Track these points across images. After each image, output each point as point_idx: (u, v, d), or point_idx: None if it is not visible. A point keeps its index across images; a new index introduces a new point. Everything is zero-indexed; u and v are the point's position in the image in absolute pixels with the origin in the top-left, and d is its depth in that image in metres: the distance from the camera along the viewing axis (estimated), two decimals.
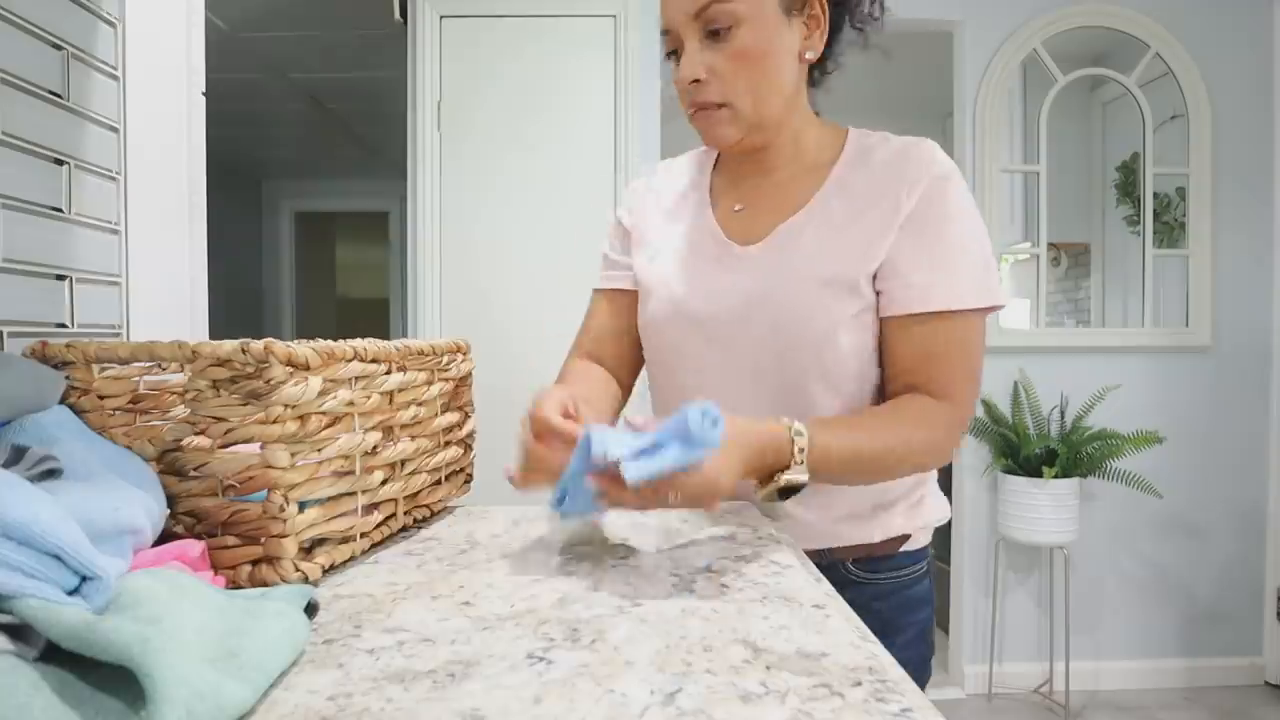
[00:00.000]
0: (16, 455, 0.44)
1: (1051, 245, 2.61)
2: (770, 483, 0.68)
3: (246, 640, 0.38)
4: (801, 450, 0.67)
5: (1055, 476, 2.28)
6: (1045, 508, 2.28)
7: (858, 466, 0.72)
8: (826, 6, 0.79)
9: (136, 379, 0.59)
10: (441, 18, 2.31)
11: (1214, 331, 2.50)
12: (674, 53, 0.80)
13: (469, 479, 0.86)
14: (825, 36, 0.81)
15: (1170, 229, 2.61)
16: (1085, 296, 3.13)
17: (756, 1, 0.75)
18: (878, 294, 0.78)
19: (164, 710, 0.29)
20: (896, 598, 0.85)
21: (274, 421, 0.52)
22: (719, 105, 0.78)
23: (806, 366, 0.78)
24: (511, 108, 2.32)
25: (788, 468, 0.67)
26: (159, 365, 0.56)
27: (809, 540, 0.82)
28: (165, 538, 0.54)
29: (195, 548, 0.49)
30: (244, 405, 0.53)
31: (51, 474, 0.44)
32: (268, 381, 0.52)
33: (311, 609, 0.46)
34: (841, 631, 0.46)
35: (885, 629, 0.81)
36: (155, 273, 0.96)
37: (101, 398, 0.57)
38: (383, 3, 2.37)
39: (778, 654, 0.42)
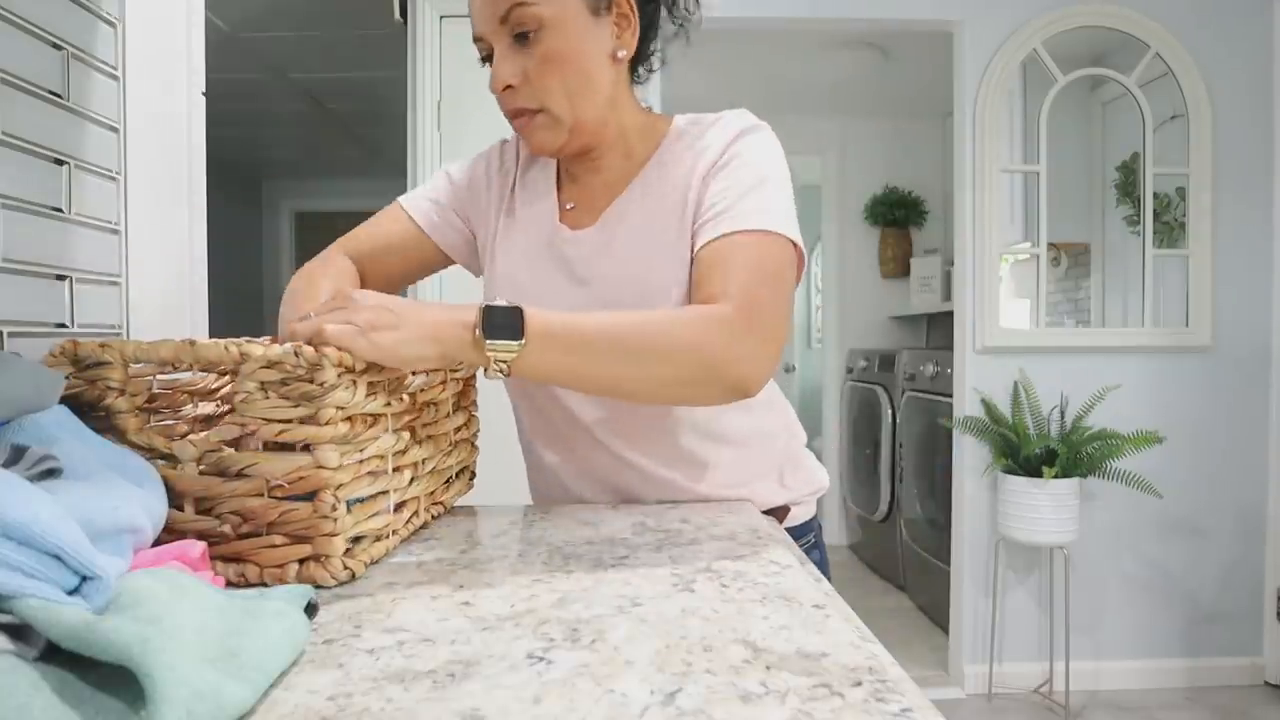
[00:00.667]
0: (16, 455, 0.44)
1: (1051, 245, 2.61)
2: (473, 333, 0.62)
3: (246, 640, 0.38)
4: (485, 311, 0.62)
5: (1055, 476, 2.28)
6: (1045, 508, 2.28)
7: (592, 326, 0.66)
8: (634, 5, 0.79)
9: (150, 378, 0.59)
10: (441, 18, 2.31)
11: (1214, 331, 2.50)
12: (487, 58, 0.79)
13: (473, 476, 0.87)
14: (637, 34, 0.80)
15: (1170, 229, 2.61)
16: (1085, 296, 3.13)
17: (560, 3, 0.74)
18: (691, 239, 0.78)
19: (164, 710, 0.29)
20: None
21: (326, 423, 0.53)
22: (535, 111, 0.78)
23: None
24: None
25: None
26: (172, 366, 0.57)
27: None
28: (208, 539, 0.54)
29: (195, 548, 0.49)
30: (295, 407, 0.54)
31: (51, 473, 0.44)
32: (320, 385, 0.53)
33: (311, 609, 0.46)
34: (841, 631, 0.46)
35: None
36: (155, 273, 0.96)
37: (130, 394, 0.57)
38: (383, 3, 2.37)
39: (778, 654, 0.42)
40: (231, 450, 0.55)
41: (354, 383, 0.56)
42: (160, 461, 0.55)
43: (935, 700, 0.36)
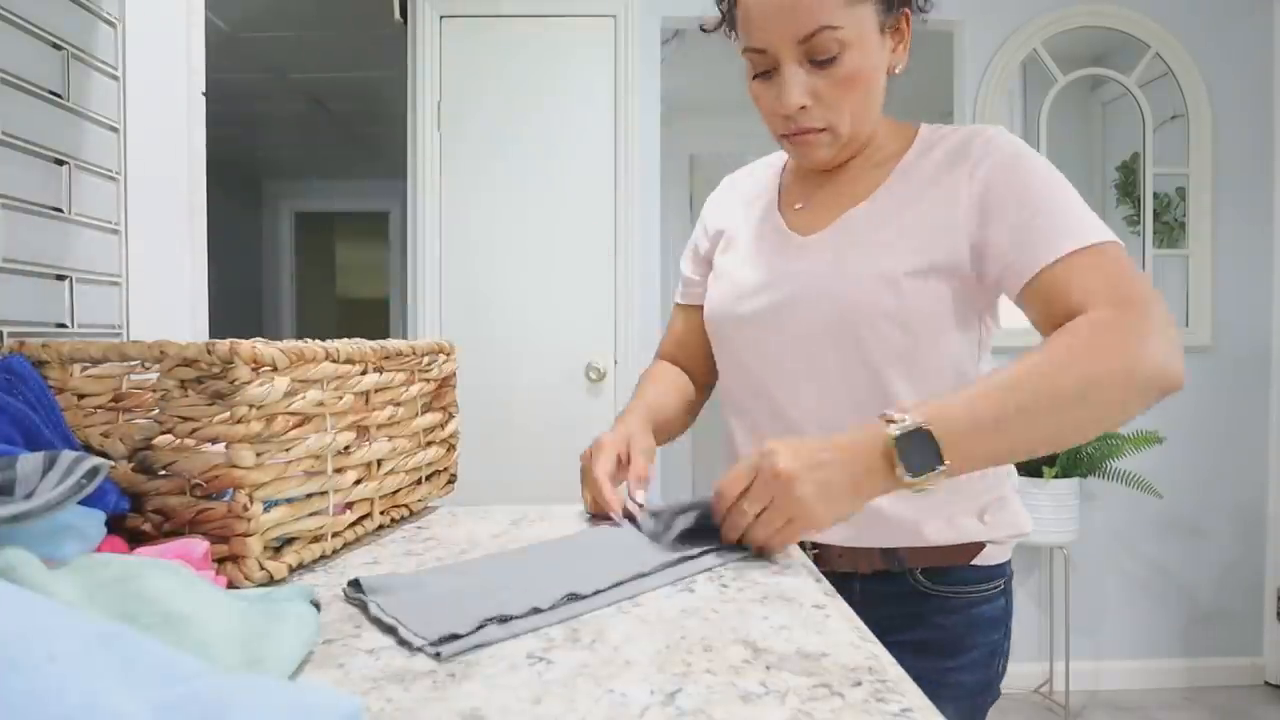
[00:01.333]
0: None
1: None
2: (893, 473, 0.60)
3: (269, 645, 0.37)
4: (903, 414, 0.61)
5: (1055, 476, 2.28)
6: (1045, 508, 2.28)
7: (1002, 394, 0.62)
8: (909, 20, 0.79)
9: (118, 378, 0.59)
10: (441, 18, 2.31)
11: (1214, 331, 2.50)
12: (766, 73, 0.77)
13: (452, 479, 0.86)
14: (908, 46, 0.80)
15: (1170, 229, 2.61)
16: None
17: (859, 26, 0.73)
18: (992, 273, 0.74)
19: None
20: (966, 614, 0.80)
21: (238, 421, 0.52)
22: (820, 130, 0.78)
23: (870, 353, 0.77)
24: (511, 108, 2.32)
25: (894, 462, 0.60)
26: (142, 365, 0.57)
27: (879, 538, 0.79)
28: (135, 536, 0.54)
29: (199, 547, 0.49)
30: (210, 405, 0.53)
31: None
32: (232, 382, 0.52)
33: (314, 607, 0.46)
34: (841, 631, 0.46)
35: (949, 646, 0.80)
36: (155, 273, 0.96)
37: (80, 397, 0.58)
38: (383, 3, 2.37)
39: (778, 654, 0.42)
40: (154, 448, 0.55)
41: (271, 380, 0.55)
42: (97, 460, 0.56)
43: None
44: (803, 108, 0.76)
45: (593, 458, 0.77)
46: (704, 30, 0.84)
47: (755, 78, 0.79)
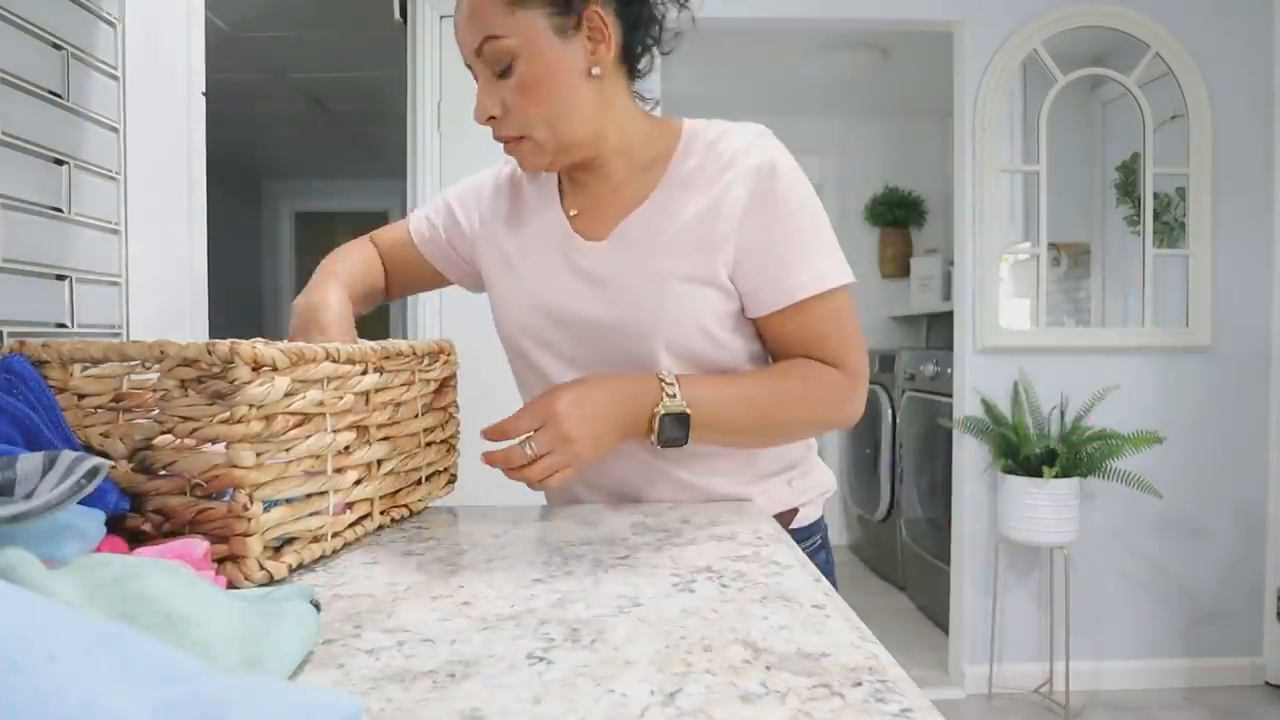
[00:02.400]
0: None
1: (1051, 245, 2.61)
2: (647, 435, 0.75)
3: (269, 645, 0.37)
4: (671, 384, 0.75)
5: (1055, 476, 2.28)
6: (1045, 508, 2.28)
7: (743, 408, 0.79)
8: (605, 16, 0.76)
9: (119, 378, 0.59)
10: (441, 18, 2.31)
11: (1214, 331, 2.50)
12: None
13: (452, 479, 0.86)
14: (614, 46, 0.78)
15: (1170, 229, 2.61)
16: (1085, 296, 3.12)
17: (524, 32, 0.73)
18: (741, 293, 0.81)
19: None
20: None
21: (238, 421, 0.52)
22: (519, 138, 0.79)
23: (661, 358, 0.80)
24: None
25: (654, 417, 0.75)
26: (142, 365, 0.57)
27: None
28: (135, 536, 0.54)
29: (199, 547, 0.49)
30: (210, 405, 0.53)
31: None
32: (232, 382, 0.52)
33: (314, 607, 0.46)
34: (841, 631, 0.46)
35: None
36: (155, 273, 0.96)
37: (81, 397, 0.58)
38: (383, 3, 2.37)
39: (778, 654, 0.42)
40: (154, 448, 0.55)
41: (271, 380, 0.55)
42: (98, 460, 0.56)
43: (935, 700, 0.36)
44: (492, 118, 0.78)
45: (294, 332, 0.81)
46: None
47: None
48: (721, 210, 0.78)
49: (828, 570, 0.93)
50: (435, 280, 1.02)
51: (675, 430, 0.75)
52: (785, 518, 0.88)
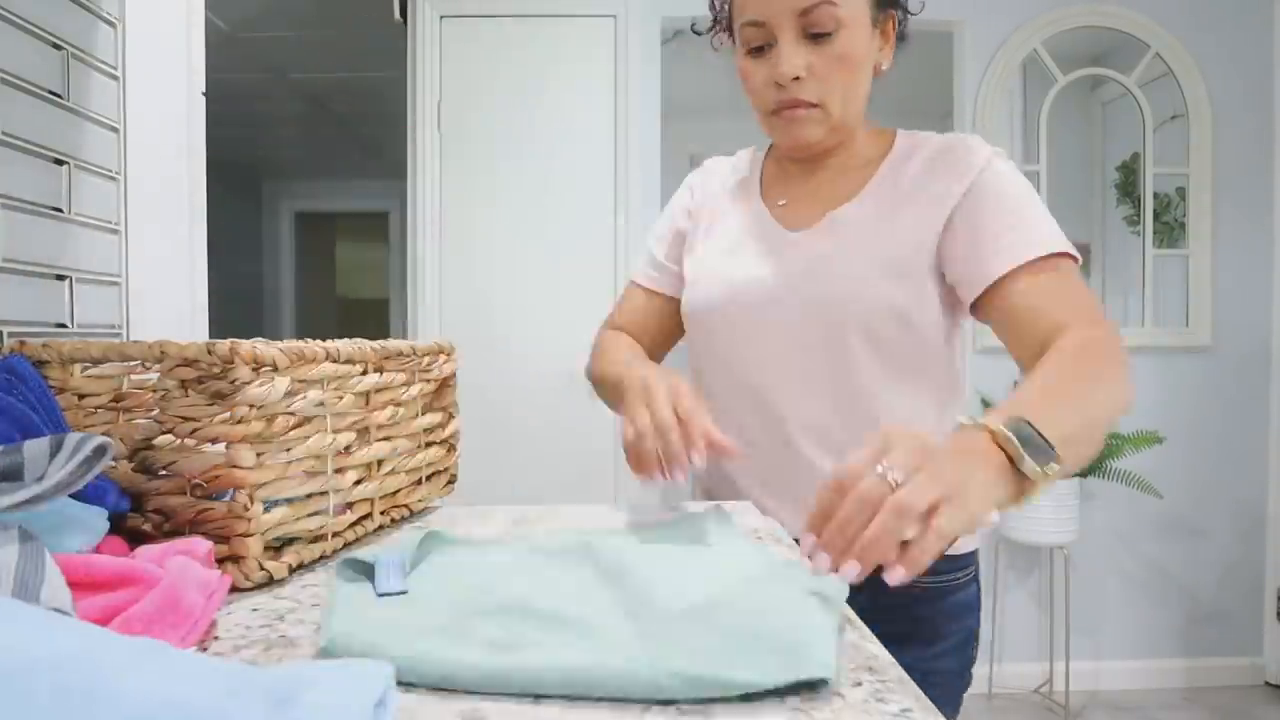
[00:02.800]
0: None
1: None
2: (1016, 485, 0.51)
3: None
4: (993, 420, 0.52)
5: None
6: (1045, 508, 2.28)
7: (1071, 403, 0.58)
8: (896, 26, 0.83)
9: (119, 378, 0.59)
10: (441, 18, 2.31)
11: (1214, 331, 2.50)
12: (760, 48, 0.79)
13: (452, 480, 0.86)
14: (893, 50, 0.84)
15: (1170, 229, 2.61)
16: None
17: (857, 9, 0.77)
18: (958, 276, 0.77)
19: None
20: (939, 604, 0.82)
21: (239, 421, 0.52)
22: (811, 105, 0.79)
23: (855, 349, 0.78)
24: (511, 108, 2.32)
25: (1012, 460, 0.50)
26: (142, 365, 0.57)
27: None
28: (135, 536, 0.54)
29: (201, 547, 0.49)
30: (210, 405, 0.53)
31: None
32: (232, 382, 0.52)
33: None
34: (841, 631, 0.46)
35: (925, 635, 0.81)
36: (155, 273, 0.96)
37: (81, 397, 0.58)
38: (383, 3, 2.37)
39: None
40: (155, 448, 0.55)
41: (272, 380, 0.55)
42: None
43: None
44: (798, 78, 0.78)
45: (648, 397, 0.68)
46: (695, 32, 0.84)
47: (749, 54, 0.80)
48: (944, 199, 0.78)
49: (975, 606, 0.85)
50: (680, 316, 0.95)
51: (1033, 437, 0.51)
52: None
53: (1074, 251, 0.74)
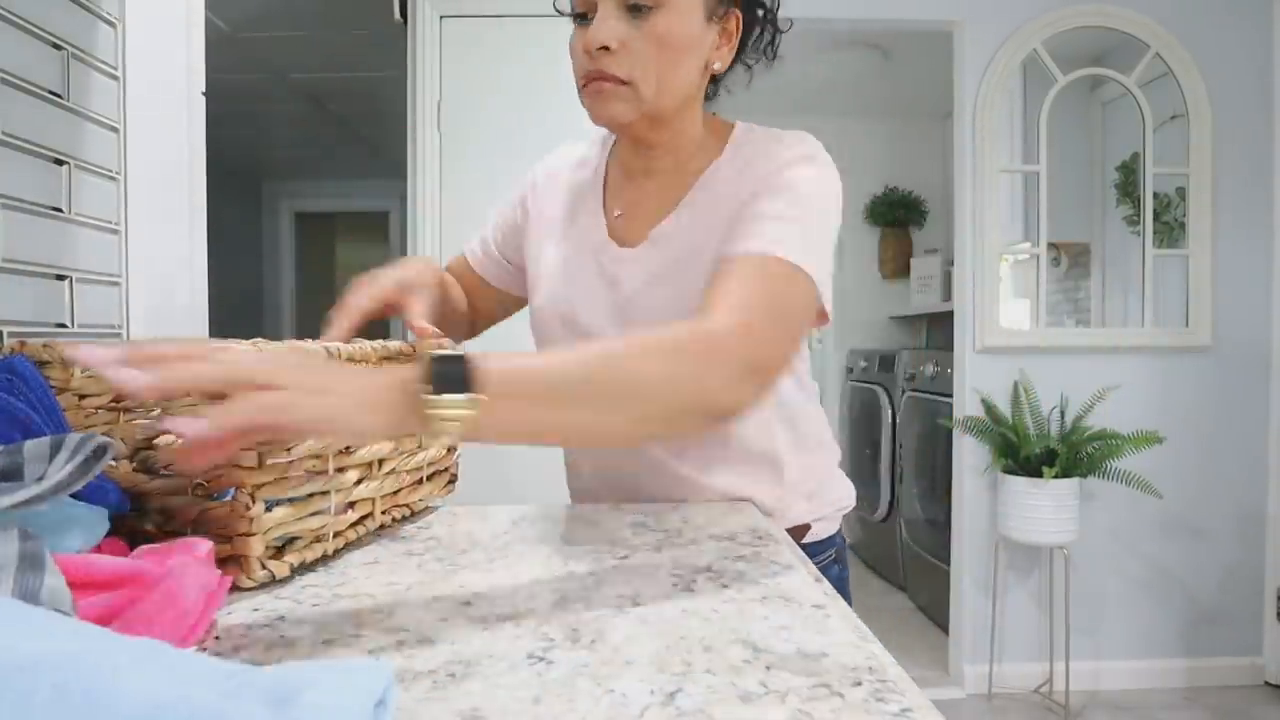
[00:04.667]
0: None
1: (1051, 245, 2.61)
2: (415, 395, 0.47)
3: None
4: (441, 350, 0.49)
5: (1055, 476, 2.28)
6: (1045, 508, 2.28)
7: (558, 362, 0.56)
8: (740, 28, 0.79)
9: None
10: (441, 18, 2.31)
11: (1214, 331, 2.50)
12: (582, 16, 0.76)
13: (453, 479, 0.86)
14: (732, 53, 0.81)
15: (1170, 229, 2.61)
16: (1085, 296, 3.13)
17: None
18: None
19: None
20: None
21: None
22: (621, 81, 0.75)
23: None
24: (512, 108, 2.32)
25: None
26: None
27: None
28: (136, 536, 0.54)
29: (202, 547, 0.49)
30: (211, 405, 0.53)
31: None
32: None
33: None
34: (841, 631, 0.46)
35: None
36: (155, 273, 0.96)
37: (81, 397, 0.58)
38: (383, 3, 2.37)
39: (778, 654, 0.42)
40: (156, 448, 0.55)
41: None
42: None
43: (935, 700, 0.36)
44: (605, 49, 0.74)
45: (354, 288, 0.76)
46: (557, 10, 0.82)
47: (575, 24, 0.78)
48: (740, 194, 0.77)
49: (841, 587, 0.89)
50: (503, 302, 1.02)
51: (451, 372, 0.48)
52: (797, 533, 0.85)
53: (806, 267, 0.69)
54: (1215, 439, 2.51)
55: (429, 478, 0.80)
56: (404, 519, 0.76)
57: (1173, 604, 2.54)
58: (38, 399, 0.53)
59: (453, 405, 0.47)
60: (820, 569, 0.83)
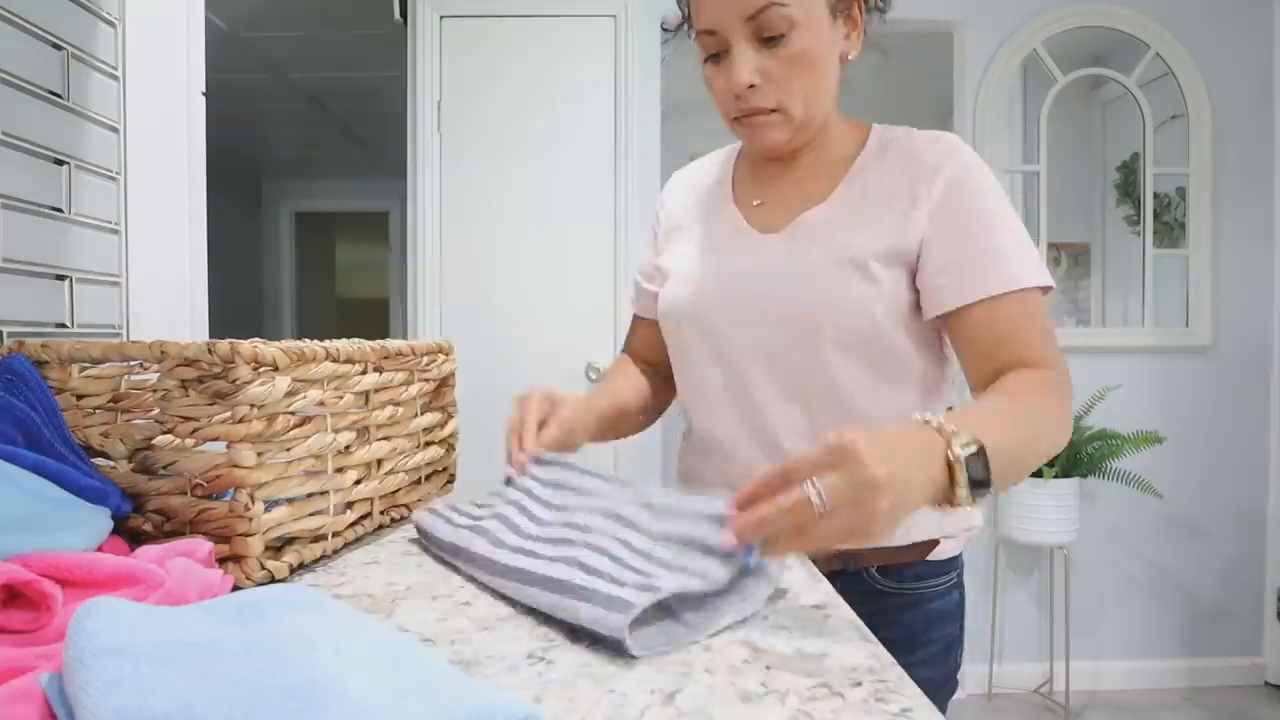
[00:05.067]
0: None
1: (1051, 245, 2.61)
2: (951, 484, 0.54)
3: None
4: (940, 420, 0.56)
5: (1055, 476, 2.28)
6: (1045, 508, 2.28)
7: (1013, 427, 0.62)
8: (863, 8, 0.80)
9: (118, 378, 0.59)
10: (441, 18, 2.31)
11: (1214, 331, 2.50)
12: (716, 55, 0.77)
13: (451, 479, 0.86)
14: (861, 36, 0.80)
15: (1170, 229, 2.61)
16: (1085, 296, 3.12)
17: (807, 6, 0.74)
18: (925, 287, 0.76)
19: None
20: (922, 610, 0.81)
21: (239, 421, 0.52)
22: (771, 110, 0.77)
23: (828, 351, 0.77)
24: (511, 108, 2.32)
25: (952, 478, 0.54)
26: (141, 365, 0.57)
27: None
28: (135, 536, 0.54)
29: (202, 547, 0.49)
30: (211, 405, 0.53)
31: None
32: (233, 381, 0.52)
33: None
34: (841, 631, 0.46)
35: (909, 642, 0.80)
36: (155, 273, 0.96)
37: (80, 397, 0.58)
38: (383, 3, 2.37)
39: (778, 654, 0.42)
40: (155, 448, 0.55)
41: (272, 380, 0.55)
42: (98, 459, 0.56)
43: None
44: (752, 86, 0.75)
45: (520, 404, 0.78)
46: (664, 30, 0.83)
47: (707, 62, 0.79)
48: (908, 211, 0.76)
49: (959, 613, 0.85)
50: None
51: (979, 471, 0.55)
52: (923, 547, 0.81)
53: (1048, 282, 0.74)
54: (1215, 439, 2.51)
55: (427, 477, 0.80)
56: (403, 518, 0.76)
57: (1172, 604, 2.54)
58: (37, 399, 0.53)
59: (972, 505, 0.56)
60: (940, 592, 0.82)
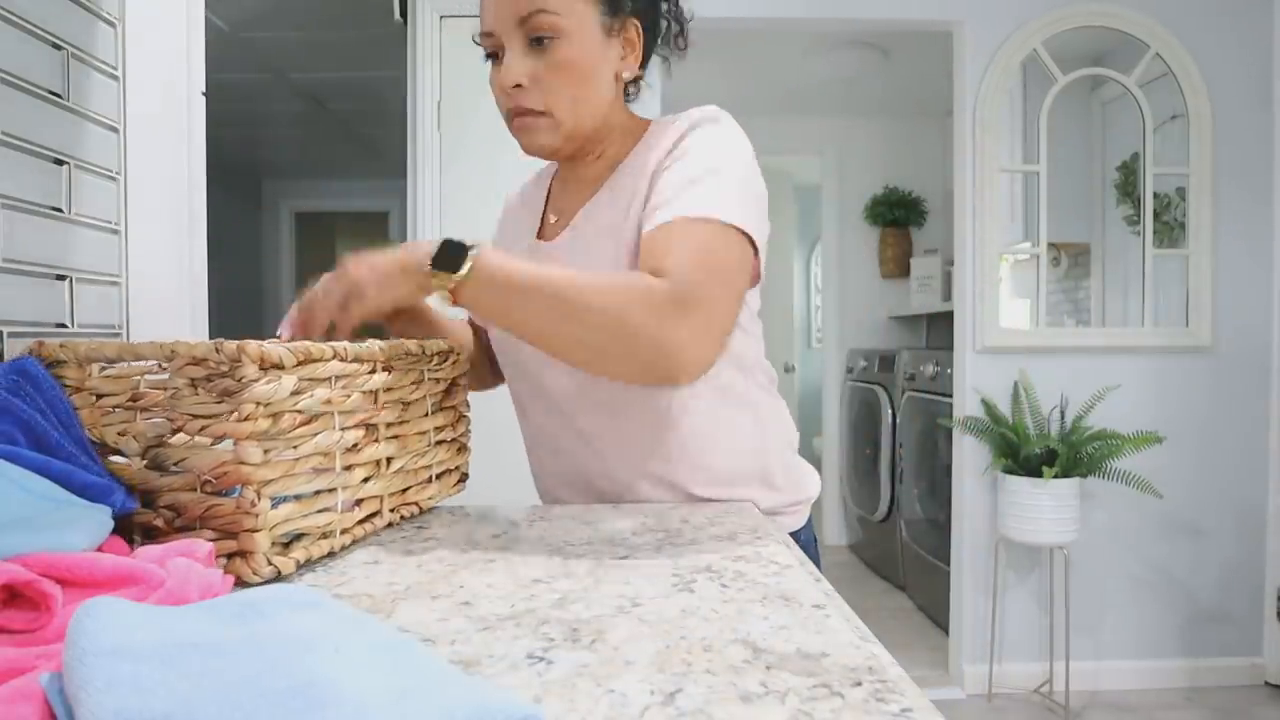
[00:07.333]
0: None
1: (1051, 245, 2.61)
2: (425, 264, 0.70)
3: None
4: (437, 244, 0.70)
5: (1055, 476, 2.28)
6: (1045, 508, 2.28)
7: (536, 276, 0.69)
8: (641, 33, 0.83)
9: (137, 378, 0.59)
10: (441, 18, 2.31)
11: (1214, 331, 2.50)
12: (494, 55, 0.82)
13: (463, 478, 0.86)
14: (640, 59, 0.84)
15: (1170, 229, 2.61)
16: (1085, 296, 3.13)
17: (578, 17, 0.77)
18: None
19: None
20: None
21: (245, 419, 0.53)
22: (539, 113, 0.80)
23: None
24: None
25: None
26: (159, 365, 0.57)
27: None
28: (148, 531, 0.55)
29: (202, 548, 0.49)
30: (219, 403, 0.54)
31: None
32: (239, 380, 0.53)
33: None
34: (841, 631, 0.46)
35: None
36: (155, 273, 0.96)
37: (98, 396, 0.59)
38: (383, 3, 2.37)
39: (778, 654, 0.42)
40: (167, 445, 0.56)
41: (279, 378, 0.56)
42: (113, 456, 0.57)
43: (935, 700, 0.35)
44: (518, 86, 0.79)
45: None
46: (475, 43, 0.84)
47: (488, 61, 0.83)
48: (646, 168, 0.79)
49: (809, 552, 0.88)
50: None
51: (455, 253, 0.69)
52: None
53: (735, 222, 0.73)
54: (1215, 439, 2.51)
55: (438, 476, 0.81)
56: (413, 516, 0.77)
57: (1173, 604, 2.54)
58: (47, 402, 0.53)
59: (445, 278, 0.69)
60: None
